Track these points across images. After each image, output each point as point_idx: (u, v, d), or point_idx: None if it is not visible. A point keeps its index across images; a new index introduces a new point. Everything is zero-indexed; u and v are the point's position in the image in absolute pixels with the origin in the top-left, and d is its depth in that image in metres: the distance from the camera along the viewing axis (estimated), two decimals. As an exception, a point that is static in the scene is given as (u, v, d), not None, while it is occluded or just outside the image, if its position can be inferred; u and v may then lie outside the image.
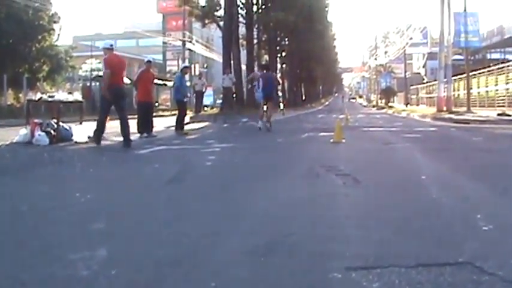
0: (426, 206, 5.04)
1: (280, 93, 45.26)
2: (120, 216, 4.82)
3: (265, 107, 18.22)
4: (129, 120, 12.17)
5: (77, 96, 22.02)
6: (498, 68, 32.38)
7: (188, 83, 23.15)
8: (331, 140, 12.64)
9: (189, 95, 22.01)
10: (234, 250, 3.61)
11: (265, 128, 17.49)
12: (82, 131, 13.48)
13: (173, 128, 17.04)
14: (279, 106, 35.23)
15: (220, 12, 36.82)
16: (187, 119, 24.36)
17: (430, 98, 50.07)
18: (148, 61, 16.77)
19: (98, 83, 41.88)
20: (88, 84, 41.53)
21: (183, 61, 53.40)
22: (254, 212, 4.86)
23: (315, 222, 4.38)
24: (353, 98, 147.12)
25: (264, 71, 20.03)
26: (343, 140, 12.54)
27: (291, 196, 5.66)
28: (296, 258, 3.43)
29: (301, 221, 4.44)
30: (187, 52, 58.21)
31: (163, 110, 37.19)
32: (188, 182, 6.96)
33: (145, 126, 15.14)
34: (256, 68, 37.14)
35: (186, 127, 18.07)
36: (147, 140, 13.93)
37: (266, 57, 53.48)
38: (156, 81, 23.84)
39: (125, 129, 12.03)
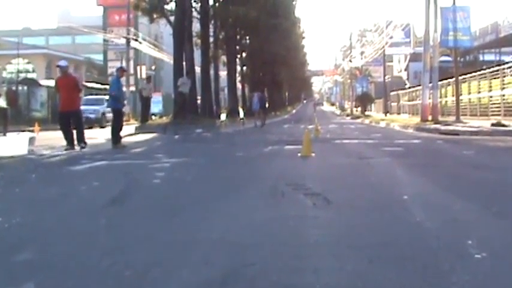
0: (408, 230, 5.07)
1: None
2: (52, 244, 4.75)
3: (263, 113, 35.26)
4: None
5: (0, 102, 21.72)
6: (492, 71, 32.58)
7: (124, 88, 23.18)
8: (299, 154, 12.69)
9: (125, 102, 22.11)
10: (186, 283, 3.59)
11: (260, 126, 32.65)
12: (6, 143, 13.32)
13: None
14: (239, 114, 36.53)
15: (171, 6, 36.71)
16: (132, 130, 24.28)
17: (413, 105, 50.59)
18: (57, 66, 16.48)
19: (25, 87, 41.52)
20: (14, 88, 41.05)
21: (127, 62, 53.09)
22: (209, 238, 4.84)
23: (280, 250, 4.38)
24: (320, 104, 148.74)
25: (258, 92, 38.55)
26: (313, 154, 12.59)
27: (251, 219, 5.66)
28: (258, 292, 3.41)
29: (264, 249, 4.44)
30: (132, 51, 57.86)
31: (104, 120, 36.77)
32: (133, 203, 6.91)
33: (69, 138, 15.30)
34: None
35: (131, 138, 17.96)
36: (81, 155, 13.83)
37: (224, 58, 53.48)
38: (96, 85, 23.77)
39: None
